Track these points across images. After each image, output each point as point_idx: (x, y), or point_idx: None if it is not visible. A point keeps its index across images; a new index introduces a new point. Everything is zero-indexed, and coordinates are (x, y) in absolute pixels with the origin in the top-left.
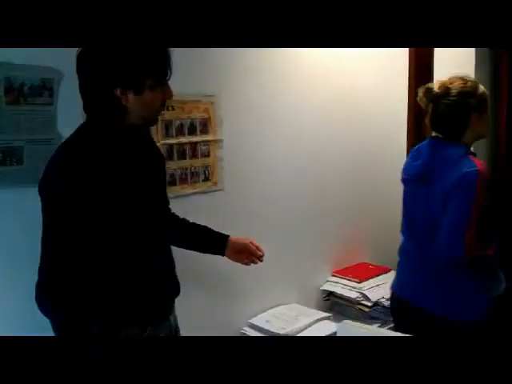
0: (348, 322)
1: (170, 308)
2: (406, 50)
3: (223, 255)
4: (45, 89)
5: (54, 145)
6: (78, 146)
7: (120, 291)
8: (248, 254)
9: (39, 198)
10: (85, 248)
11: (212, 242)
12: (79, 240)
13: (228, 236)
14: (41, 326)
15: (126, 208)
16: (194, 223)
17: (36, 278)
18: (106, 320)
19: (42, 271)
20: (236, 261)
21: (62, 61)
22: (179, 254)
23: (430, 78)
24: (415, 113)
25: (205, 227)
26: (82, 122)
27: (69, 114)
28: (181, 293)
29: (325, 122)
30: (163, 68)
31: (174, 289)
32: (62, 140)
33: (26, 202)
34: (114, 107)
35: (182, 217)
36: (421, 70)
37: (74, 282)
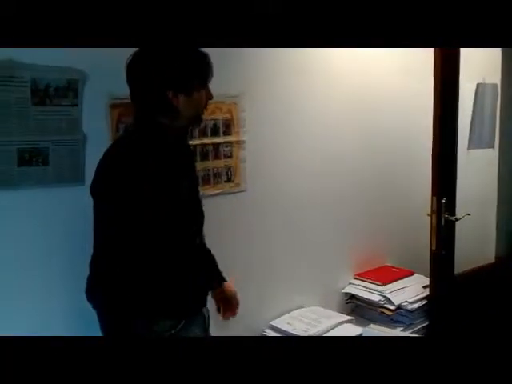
0: (373, 327)
1: (202, 301)
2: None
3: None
4: (70, 90)
5: (79, 146)
6: (136, 149)
7: (159, 284)
8: (229, 306)
9: (62, 199)
10: (134, 244)
11: (209, 277)
12: (130, 237)
13: (225, 280)
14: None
15: (173, 206)
16: (208, 251)
17: (63, 274)
18: (147, 311)
19: (93, 266)
20: (217, 303)
21: (87, 62)
22: None
23: (456, 78)
24: (440, 114)
25: (213, 261)
26: (107, 123)
27: (94, 115)
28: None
29: (349, 122)
30: (207, 70)
31: (206, 282)
32: (87, 141)
33: (50, 201)
34: (167, 109)
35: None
36: (447, 71)
37: (122, 276)
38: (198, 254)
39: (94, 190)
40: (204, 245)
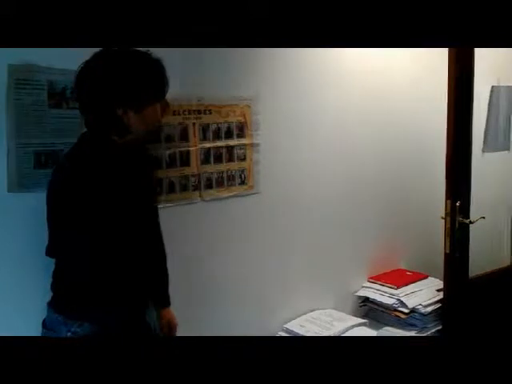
0: (387, 329)
1: (143, 301)
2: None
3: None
4: None
5: None
6: (87, 160)
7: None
8: (166, 331)
9: None
10: (89, 247)
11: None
12: (85, 242)
13: (168, 306)
14: None
15: (123, 212)
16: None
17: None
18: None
19: (56, 274)
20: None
21: None
22: (215, 259)
23: (471, 79)
24: (454, 116)
25: (164, 281)
26: None
27: None
28: (218, 296)
29: (363, 124)
30: (161, 83)
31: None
32: None
33: None
34: (117, 126)
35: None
36: (461, 72)
37: (84, 280)
38: (145, 270)
39: (52, 198)
40: (161, 264)
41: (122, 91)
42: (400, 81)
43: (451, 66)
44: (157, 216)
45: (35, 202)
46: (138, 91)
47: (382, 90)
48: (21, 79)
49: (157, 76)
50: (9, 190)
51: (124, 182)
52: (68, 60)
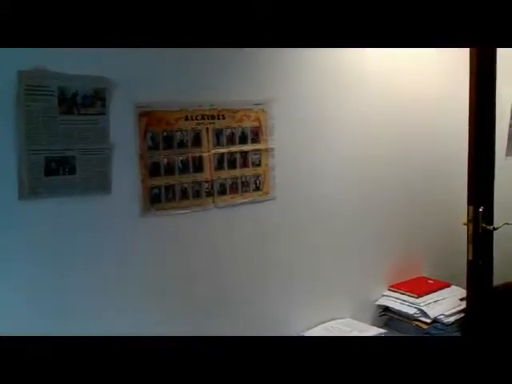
0: None
1: None
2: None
3: None
4: (97, 99)
5: (106, 155)
6: None
7: None
8: None
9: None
10: None
11: None
12: None
13: None
14: None
15: None
16: None
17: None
18: None
19: None
20: None
21: (114, 71)
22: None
23: (493, 80)
24: (476, 118)
25: None
26: (134, 132)
27: (120, 123)
28: (232, 304)
29: (383, 127)
30: None
31: None
32: (115, 150)
33: (78, 210)
34: None
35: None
36: (483, 73)
37: None
38: None
39: None
40: None
41: None
42: (422, 82)
43: (473, 66)
44: None
45: (47, 209)
46: None
47: (403, 92)
48: (31, 85)
49: None
50: (19, 198)
51: None
52: (79, 65)
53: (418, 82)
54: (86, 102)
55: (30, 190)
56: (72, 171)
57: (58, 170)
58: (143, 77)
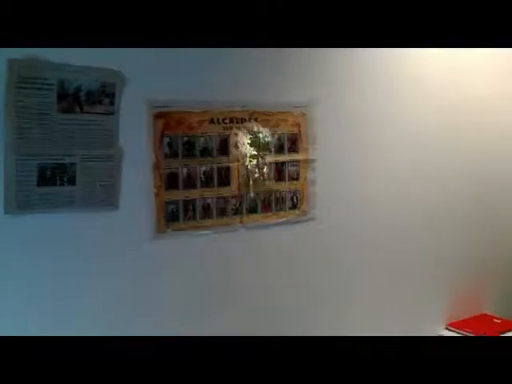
0: None
1: None
2: None
3: None
4: (104, 95)
5: (114, 162)
6: None
7: None
8: None
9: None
10: None
11: None
12: None
13: None
14: None
15: None
16: None
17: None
18: None
19: None
20: None
21: (126, 62)
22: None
23: None
24: None
25: None
26: (148, 136)
27: (133, 125)
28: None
29: (445, 138)
30: None
31: None
32: (124, 157)
33: (77, 229)
34: None
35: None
36: None
37: None
38: None
39: None
40: None
41: None
42: (487, 86)
43: None
44: None
45: (38, 226)
46: None
47: (468, 99)
48: (24, 77)
49: None
50: (6, 212)
51: None
52: (84, 55)
53: (485, 87)
54: (91, 98)
55: (18, 203)
56: (71, 181)
57: (53, 179)
58: (160, 70)
